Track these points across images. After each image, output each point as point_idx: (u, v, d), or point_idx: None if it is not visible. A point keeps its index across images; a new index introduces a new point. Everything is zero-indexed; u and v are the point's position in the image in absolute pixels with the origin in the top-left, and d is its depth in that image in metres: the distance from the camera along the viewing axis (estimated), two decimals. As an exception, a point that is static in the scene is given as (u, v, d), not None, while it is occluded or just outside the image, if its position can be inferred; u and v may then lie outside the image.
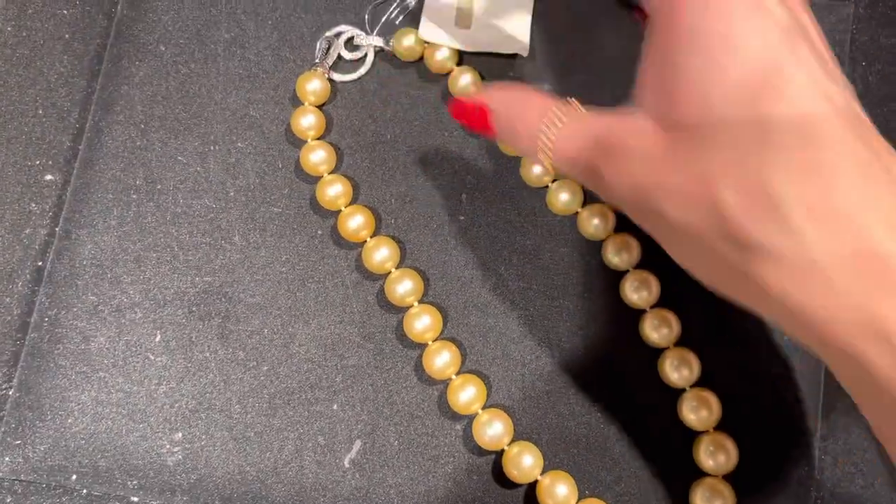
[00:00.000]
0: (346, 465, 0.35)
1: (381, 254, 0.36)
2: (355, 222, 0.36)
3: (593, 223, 0.36)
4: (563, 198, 0.36)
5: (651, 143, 0.25)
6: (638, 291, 0.35)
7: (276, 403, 0.35)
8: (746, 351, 0.35)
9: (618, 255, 0.35)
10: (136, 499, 0.35)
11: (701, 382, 0.34)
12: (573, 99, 0.28)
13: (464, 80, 0.37)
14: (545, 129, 0.27)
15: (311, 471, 0.35)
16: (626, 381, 0.35)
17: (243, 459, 0.35)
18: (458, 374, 0.35)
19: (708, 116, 0.23)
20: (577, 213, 0.36)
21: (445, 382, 0.35)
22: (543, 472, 0.34)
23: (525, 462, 0.33)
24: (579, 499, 0.33)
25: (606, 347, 0.36)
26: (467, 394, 0.34)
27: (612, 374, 0.35)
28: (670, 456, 0.35)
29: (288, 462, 0.35)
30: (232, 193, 0.37)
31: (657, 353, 0.35)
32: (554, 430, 0.35)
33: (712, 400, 0.34)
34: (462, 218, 0.37)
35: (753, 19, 0.23)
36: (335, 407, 0.35)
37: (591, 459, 0.35)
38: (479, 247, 0.37)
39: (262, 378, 0.35)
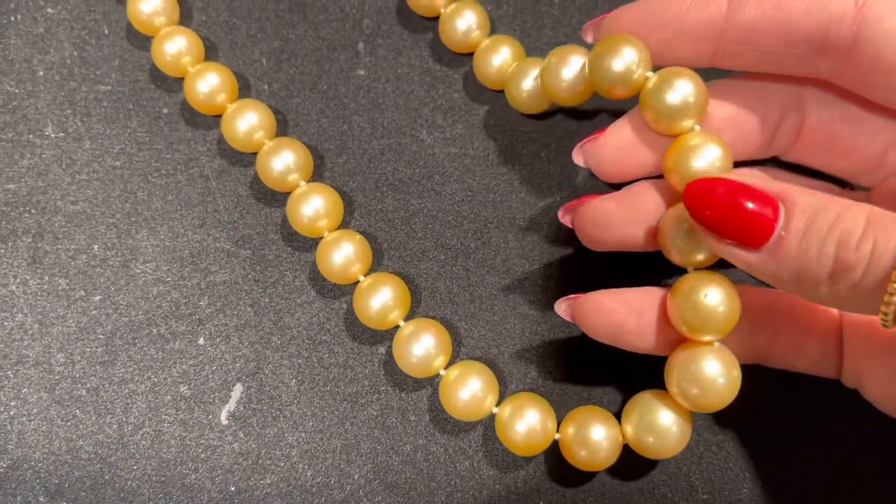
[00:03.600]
0: (224, 420, 0.24)
1: (248, 123, 0.25)
2: (207, 85, 0.26)
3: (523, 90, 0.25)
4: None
5: None
6: None
7: (115, 346, 0.25)
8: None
9: None
10: (-74, 507, 0.24)
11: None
12: None
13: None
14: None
15: (173, 434, 0.24)
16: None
17: (73, 430, 0.24)
18: (368, 273, 0.25)
19: None
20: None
21: (353, 287, 0.25)
22: (499, 403, 0.23)
23: (473, 387, 0.23)
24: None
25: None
26: (381, 299, 0.24)
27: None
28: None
29: (139, 427, 0.24)
30: (41, 73, 0.27)
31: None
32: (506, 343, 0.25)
33: None
34: (361, 73, 0.27)
35: None
36: (202, 341, 0.25)
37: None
38: (388, 107, 0.27)
39: (93, 313, 0.25)
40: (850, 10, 0.19)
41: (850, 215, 0.17)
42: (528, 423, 0.22)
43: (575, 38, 0.27)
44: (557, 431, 0.23)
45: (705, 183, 0.19)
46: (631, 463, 0.24)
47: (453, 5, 0.26)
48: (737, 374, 0.21)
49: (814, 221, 0.18)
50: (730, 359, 0.21)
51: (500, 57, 0.26)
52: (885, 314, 0.17)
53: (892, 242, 0.16)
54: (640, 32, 0.21)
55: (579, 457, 0.22)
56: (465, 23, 0.26)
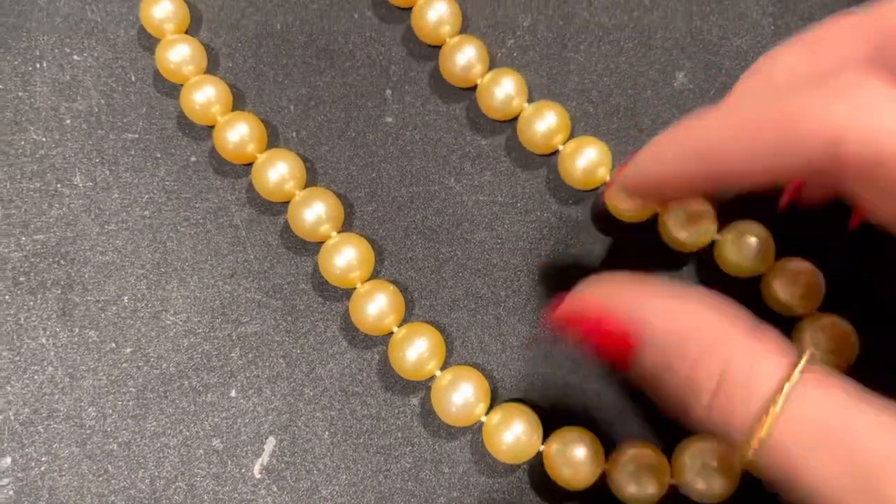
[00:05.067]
0: (257, 474, 0.24)
1: (278, 174, 0.25)
2: (237, 135, 0.26)
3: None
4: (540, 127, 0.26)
5: None
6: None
7: (147, 399, 0.25)
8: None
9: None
10: (-44, 564, 0.24)
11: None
12: (814, 351, 0.16)
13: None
14: (750, 402, 0.15)
15: (206, 489, 0.24)
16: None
17: (105, 485, 0.24)
18: (402, 324, 0.25)
19: None
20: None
21: (386, 338, 0.25)
22: (545, 440, 0.23)
23: (516, 430, 0.23)
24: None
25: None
26: (417, 349, 0.24)
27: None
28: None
29: (172, 481, 0.24)
30: (68, 121, 0.27)
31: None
32: (543, 389, 0.25)
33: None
34: (389, 120, 0.27)
35: None
36: (233, 394, 0.25)
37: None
38: (416, 154, 0.27)
39: (124, 365, 0.25)
40: (826, 160, 0.15)
41: (702, 373, 0.16)
42: (576, 457, 0.23)
43: (600, 84, 0.27)
44: (605, 462, 0.23)
45: (561, 320, 0.19)
46: None
47: (489, 74, 0.26)
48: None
49: (665, 369, 0.17)
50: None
51: (544, 123, 0.26)
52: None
53: (738, 413, 0.15)
54: (655, 193, 0.21)
55: (626, 493, 0.22)
56: (503, 91, 0.26)
